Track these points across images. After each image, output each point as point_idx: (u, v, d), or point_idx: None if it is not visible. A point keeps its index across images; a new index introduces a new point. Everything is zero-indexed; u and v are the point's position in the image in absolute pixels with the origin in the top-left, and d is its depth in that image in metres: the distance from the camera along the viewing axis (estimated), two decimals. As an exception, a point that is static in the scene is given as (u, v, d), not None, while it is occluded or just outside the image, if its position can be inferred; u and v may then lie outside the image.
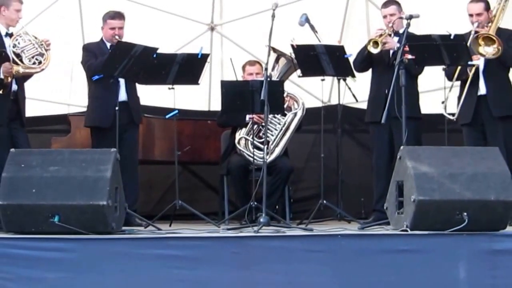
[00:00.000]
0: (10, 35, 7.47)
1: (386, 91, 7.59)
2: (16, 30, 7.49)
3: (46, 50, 7.46)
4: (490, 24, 7.64)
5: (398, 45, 7.68)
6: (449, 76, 7.69)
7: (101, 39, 8.04)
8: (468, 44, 7.42)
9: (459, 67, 7.60)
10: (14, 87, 7.44)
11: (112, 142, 7.53)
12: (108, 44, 7.93)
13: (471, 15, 7.69)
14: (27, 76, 7.56)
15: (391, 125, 7.63)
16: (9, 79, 7.26)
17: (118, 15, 7.93)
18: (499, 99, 7.64)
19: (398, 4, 7.98)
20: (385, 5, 8.03)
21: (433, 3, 9.35)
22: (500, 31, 7.61)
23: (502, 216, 6.28)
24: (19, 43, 7.41)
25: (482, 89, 7.65)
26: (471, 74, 7.63)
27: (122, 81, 7.81)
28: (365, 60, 7.96)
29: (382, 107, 7.62)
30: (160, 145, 8.76)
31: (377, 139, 8.00)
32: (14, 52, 7.39)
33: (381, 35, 7.80)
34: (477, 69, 7.63)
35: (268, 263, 6.04)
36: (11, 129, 7.45)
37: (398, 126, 7.30)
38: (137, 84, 7.92)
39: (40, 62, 7.43)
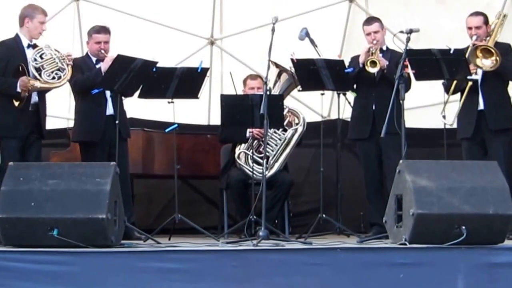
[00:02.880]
0: (33, 46, 7.49)
1: (374, 107, 7.76)
2: (39, 43, 7.51)
3: (68, 65, 7.45)
4: (488, 38, 7.70)
5: (387, 62, 7.79)
6: (447, 89, 7.73)
7: (87, 54, 8.04)
8: (467, 56, 7.47)
9: (455, 82, 7.64)
10: (35, 98, 7.47)
11: (102, 157, 7.58)
12: (94, 59, 7.93)
13: (470, 28, 7.74)
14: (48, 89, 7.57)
15: (377, 140, 7.69)
16: (26, 93, 7.27)
17: (104, 30, 7.92)
18: (497, 112, 7.68)
19: (380, 21, 8.03)
20: (368, 23, 8.07)
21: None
22: (498, 45, 7.65)
23: (501, 229, 6.31)
24: (40, 57, 7.41)
25: (481, 104, 7.68)
26: (467, 88, 7.66)
27: (108, 95, 7.81)
28: (355, 77, 7.99)
29: (369, 124, 7.79)
30: (160, 159, 8.75)
31: (366, 155, 8.04)
32: (34, 67, 7.39)
33: (372, 54, 7.82)
34: (475, 84, 7.66)
35: (267, 276, 6.05)
36: (26, 142, 7.44)
37: (385, 141, 7.42)
38: (136, 98, 7.90)
39: (59, 77, 7.41)
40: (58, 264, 5.98)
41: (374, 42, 7.89)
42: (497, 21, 7.77)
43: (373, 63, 7.76)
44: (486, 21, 7.74)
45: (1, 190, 6.29)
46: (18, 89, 7.28)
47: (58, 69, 7.43)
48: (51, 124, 8.85)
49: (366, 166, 8.06)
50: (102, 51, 7.83)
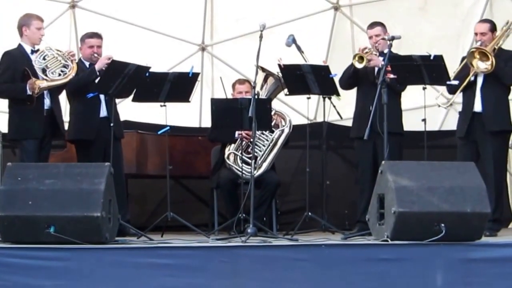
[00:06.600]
0: (36, 51, 7.66)
1: (371, 108, 7.76)
2: (41, 47, 7.67)
3: (72, 61, 7.63)
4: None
5: (382, 62, 7.80)
6: (454, 90, 7.90)
7: (80, 59, 8.15)
8: (466, 55, 7.74)
9: (464, 83, 7.80)
10: (48, 103, 7.66)
11: (97, 156, 7.70)
12: (87, 63, 8.06)
13: (476, 34, 7.93)
14: (59, 88, 7.73)
15: (375, 140, 7.81)
16: (35, 94, 7.43)
17: (96, 35, 8.08)
18: (493, 115, 7.78)
19: (383, 25, 8.19)
20: (370, 27, 8.25)
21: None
22: (501, 52, 7.82)
23: (478, 227, 6.51)
24: (43, 59, 7.58)
25: (478, 107, 7.81)
26: (459, 90, 7.83)
27: (102, 98, 7.93)
28: (351, 78, 8.13)
29: (367, 123, 7.83)
30: (153, 160, 8.82)
31: (362, 154, 8.17)
32: (39, 68, 7.56)
33: (367, 52, 7.99)
34: (474, 87, 7.81)
35: (255, 271, 6.23)
36: (44, 144, 7.64)
37: (381, 142, 7.49)
38: (130, 101, 8.04)
39: (65, 73, 7.59)
40: (55, 259, 6.15)
41: (376, 45, 8.07)
42: (502, 30, 7.90)
43: (361, 58, 7.91)
44: (492, 28, 7.88)
45: (0, 189, 6.42)
46: (29, 92, 7.47)
47: (63, 66, 7.59)
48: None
49: (360, 164, 8.19)
50: (95, 55, 7.96)
